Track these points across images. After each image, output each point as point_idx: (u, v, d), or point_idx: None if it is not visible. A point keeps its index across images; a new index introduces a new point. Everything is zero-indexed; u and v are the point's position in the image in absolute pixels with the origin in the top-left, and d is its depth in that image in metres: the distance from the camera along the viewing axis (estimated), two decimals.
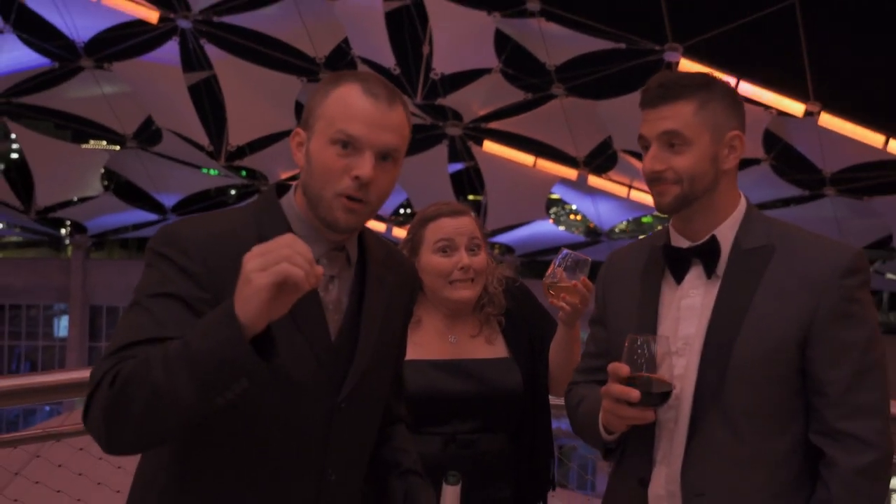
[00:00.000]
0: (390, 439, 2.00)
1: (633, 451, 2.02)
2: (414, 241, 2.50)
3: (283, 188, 1.80)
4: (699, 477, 1.90)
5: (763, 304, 1.89)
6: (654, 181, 1.94)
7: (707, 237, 1.97)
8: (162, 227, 1.68)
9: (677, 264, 2.00)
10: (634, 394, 1.79)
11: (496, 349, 2.52)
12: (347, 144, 1.64)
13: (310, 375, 1.68)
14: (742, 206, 2.01)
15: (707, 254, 1.96)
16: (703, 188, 1.93)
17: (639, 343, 1.82)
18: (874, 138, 17.31)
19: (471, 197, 24.10)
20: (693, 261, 1.98)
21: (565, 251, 2.38)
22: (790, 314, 1.87)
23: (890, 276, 20.71)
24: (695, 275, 1.98)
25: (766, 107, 17.05)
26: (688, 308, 1.97)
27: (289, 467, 1.68)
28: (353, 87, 1.67)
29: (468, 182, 22.69)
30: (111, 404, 1.46)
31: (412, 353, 2.27)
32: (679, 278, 1.99)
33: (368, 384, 1.76)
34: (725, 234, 1.97)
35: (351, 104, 1.66)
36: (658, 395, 1.81)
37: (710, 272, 1.96)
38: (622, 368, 1.82)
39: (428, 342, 2.41)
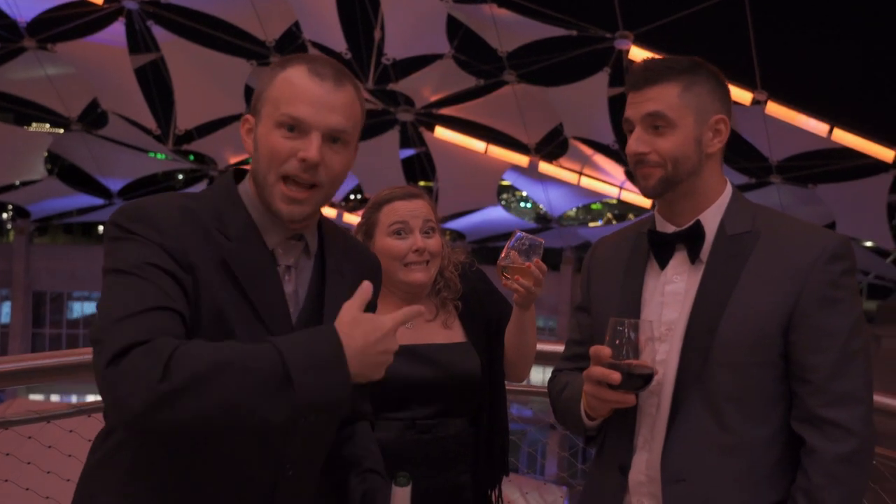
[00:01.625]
0: (352, 437, 1.96)
1: (613, 437, 2.01)
2: (368, 224, 2.49)
3: (239, 174, 1.75)
4: (680, 462, 1.89)
5: (747, 289, 1.88)
6: (637, 164, 1.93)
7: (692, 222, 1.96)
8: (125, 204, 1.61)
9: (661, 249, 1.99)
10: (615, 375, 1.78)
11: (453, 334, 2.52)
12: (293, 127, 1.60)
13: None
14: (728, 191, 1.99)
15: (691, 239, 1.95)
16: (686, 171, 1.92)
17: (622, 326, 1.81)
18: (819, 127, 17.66)
19: (422, 183, 24.06)
20: (677, 246, 1.97)
21: (519, 233, 2.37)
22: (774, 299, 1.86)
23: None
24: (679, 260, 1.97)
25: None
26: (672, 293, 1.96)
27: (247, 460, 1.65)
28: (299, 68, 1.64)
29: (419, 168, 22.70)
30: (171, 395, 1.37)
31: None
32: (663, 263, 1.99)
33: None
34: (710, 219, 1.96)
35: (296, 85, 1.62)
36: (640, 379, 1.80)
37: (693, 257, 1.95)
38: (604, 350, 1.81)
39: None
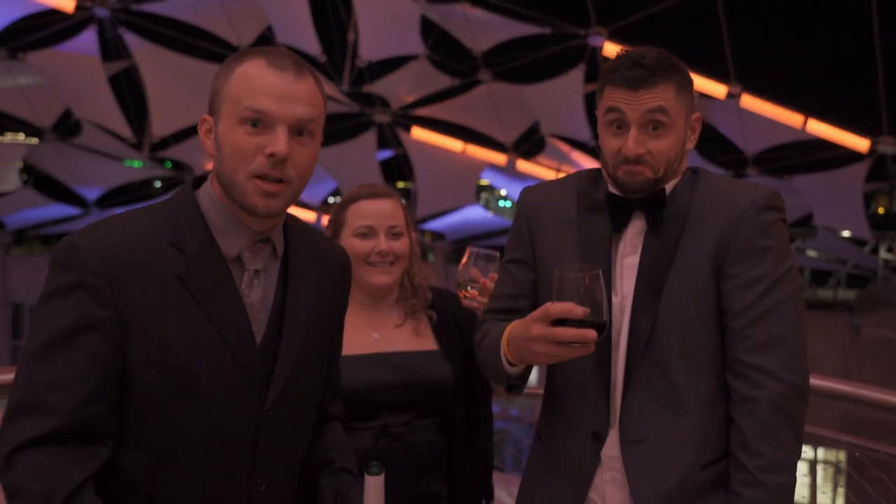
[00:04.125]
0: (322, 438, 1.91)
1: (581, 402, 2.00)
2: (336, 223, 2.45)
3: (200, 180, 1.70)
4: (637, 423, 1.92)
5: (686, 245, 1.92)
6: (626, 162, 1.92)
7: (655, 191, 1.96)
8: (66, 237, 1.57)
9: (619, 213, 1.99)
10: (578, 310, 1.72)
11: (425, 342, 2.48)
12: (257, 122, 1.55)
13: (234, 387, 1.60)
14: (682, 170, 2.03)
15: (652, 206, 1.96)
16: (672, 170, 1.96)
17: (573, 279, 1.74)
18: (793, 119, 17.75)
19: (400, 184, 24.04)
20: (635, 213, 1.98)
21: (473, 250, 2.40)
22: (708, 248, 1.90)
23: (811, 252, 21.25)
24: (635, 230, 1.99)
25: None
26: (630, 266, 1.97)
27: (217, 479, 1.62)
28: (257, 61, 1.58)
29: (397, 169, 22.63)
30: None
31: None
32: (619, 227, 1.99)
33: (296, 389, 1.69)
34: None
35: (255, 78, 1.56)
36: (597, 324, 1.73)
37: (654, 223, 1.95)
38: (576, 310, 1.72)
39: (351, 338, 2.28)
